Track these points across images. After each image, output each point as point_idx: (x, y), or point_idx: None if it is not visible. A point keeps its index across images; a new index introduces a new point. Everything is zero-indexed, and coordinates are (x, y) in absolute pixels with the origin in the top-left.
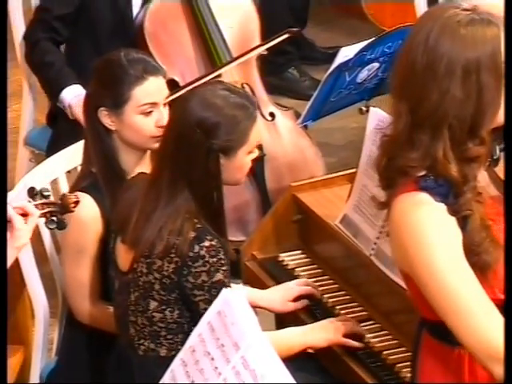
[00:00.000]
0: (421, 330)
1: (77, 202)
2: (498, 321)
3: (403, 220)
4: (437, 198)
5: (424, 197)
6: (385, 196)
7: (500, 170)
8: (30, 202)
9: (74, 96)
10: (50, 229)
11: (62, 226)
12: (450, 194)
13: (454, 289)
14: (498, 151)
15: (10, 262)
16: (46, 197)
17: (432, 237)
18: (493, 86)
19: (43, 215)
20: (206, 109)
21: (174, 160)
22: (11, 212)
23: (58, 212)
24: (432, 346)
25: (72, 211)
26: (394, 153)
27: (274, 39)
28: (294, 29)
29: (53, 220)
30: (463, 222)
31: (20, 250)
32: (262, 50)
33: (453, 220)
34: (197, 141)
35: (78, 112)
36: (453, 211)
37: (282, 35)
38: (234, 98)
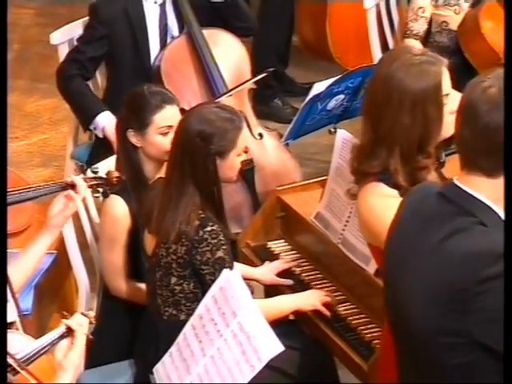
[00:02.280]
0: None
1: (119, 177)
2: None
3: (366, 204)
4: (390, 186)
5: (380, 186)
6: (354, 189)
7: (445, 169)
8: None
9: (107, 120)
10: (96, 197)
11: (106, 195)
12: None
13: None
14: (443, 156)
15: (62, 225)
16: (95, 173)
17: (386, 213)
18: (435, 114)
19: (90, 186)
20: (203, 122)
21: (181, 164)
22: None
23: (104, 184)
24: None
25: (115, 185)
26: (360, 159)
27: (257, 76)
28: (270, 69)
29: (98, 191)
30: None
31: (69, 218)
32: (249, 83)
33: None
34: (198, 147)
35: (110, 132)
36: (403, 195)
37: (262, 74)
38: (223, 113)
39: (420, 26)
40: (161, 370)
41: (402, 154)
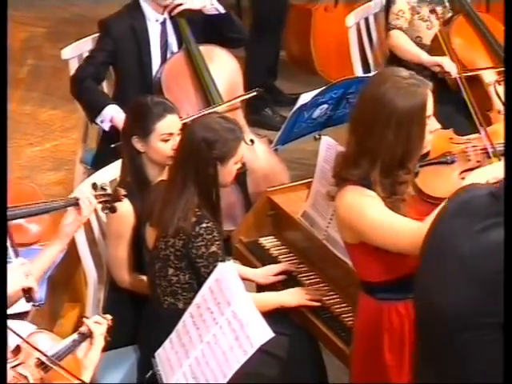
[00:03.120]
0: (360, 290)
1: (125, 195)
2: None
3: (345, 203)
4: (369, 188)
5: (359, 187)
6: (333, 192)
7: (418, 179)
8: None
9: (115, 111)
10: (105, 213)
11: (113, 211)
12: None
13: (389, 224)
14: (418, 167)
15: (72, 234)
16: (104, 189)
17: (366, 207)
18: (418, 134)
19: (100, 203)
20: (208, 131)
21: (184, 166)
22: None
23: (111, 201)
24: (364, 300)
25: (121, 200)
26: (342, 167)
27: (248, 94)
28: (260, 89)
29: (106, 207)
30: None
31: (81, 225)
32: (240, 99)
33: (381, 200)
34: (202, 151)
35: (119, 121)
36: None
37: (252, 92)
38: (226, 124)
39: (401, 22)
40: (162, 354)
41: (382, 168)
